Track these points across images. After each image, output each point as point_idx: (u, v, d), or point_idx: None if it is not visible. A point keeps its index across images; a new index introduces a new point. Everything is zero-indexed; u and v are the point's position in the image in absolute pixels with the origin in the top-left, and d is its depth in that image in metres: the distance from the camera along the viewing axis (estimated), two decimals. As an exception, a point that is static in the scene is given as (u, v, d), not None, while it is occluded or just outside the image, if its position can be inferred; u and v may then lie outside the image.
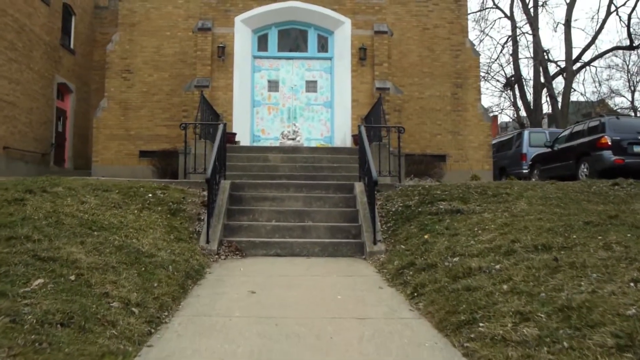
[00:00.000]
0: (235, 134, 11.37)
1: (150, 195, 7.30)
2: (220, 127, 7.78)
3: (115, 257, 4.57)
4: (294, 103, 13.09)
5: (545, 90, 24.50)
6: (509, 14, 27.17)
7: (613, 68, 32.95)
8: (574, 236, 4.75)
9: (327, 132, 13.02)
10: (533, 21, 23.95)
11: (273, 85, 13.13)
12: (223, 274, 5.55)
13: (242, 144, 12.12)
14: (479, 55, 16.51)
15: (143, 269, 4.56)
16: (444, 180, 14.12)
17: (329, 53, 13.19)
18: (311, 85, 13.15)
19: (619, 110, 37.96)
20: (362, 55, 12.62)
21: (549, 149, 14.98)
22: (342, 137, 12.62)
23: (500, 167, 18.03)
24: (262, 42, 13.29)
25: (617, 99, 39.04)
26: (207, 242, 6.47)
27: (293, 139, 10.94)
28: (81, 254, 4.34)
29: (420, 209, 7.13)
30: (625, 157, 11.85)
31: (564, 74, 23.51)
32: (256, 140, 12.88)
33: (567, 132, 14.64)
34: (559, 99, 24.73)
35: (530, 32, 24.75)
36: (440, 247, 5.46)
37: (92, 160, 15.11)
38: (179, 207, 7.12)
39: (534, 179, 14.43)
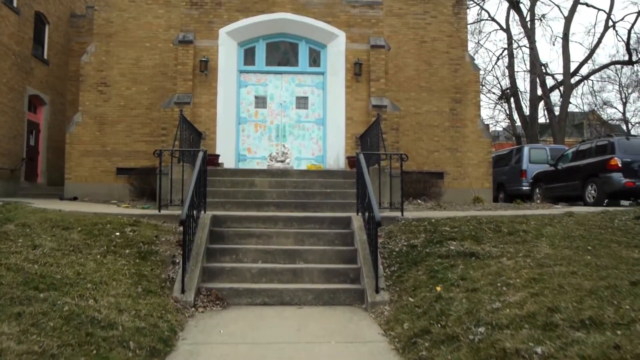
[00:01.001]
0: (218, 155, 10.42)
1: (117, 233, 6.33)
2: (200, 155, 6.85)
3: (58, 338, 3.60)
4: (283, 120, 12.20)
5: (542, 103, 23.95)
6: (504, 26, 26.74)
7: (605, 80, 32.70)
8: (626, 306, 3.89)
9: (318, 151, 12.13)
10: (531, 34, 23.42)
11: (260, 102, 12.23)
12: (199, 340, 4.60)
13: (226, 164, 11.18)
14: (479, 69, 15.85)
15: (94, 351, 3.61)
16: (443, 200, 13.35)
17: (321, 68, 12.34)
18: (302, 102, 12.27)
19: (610, 122, 37.75)
20: (357, 70, 11.78)
21: (552, 167, 14.30)
22: (335, 156, 11.74)
23: (498, 183, 17.35)
24: (249, 56, 12.39)
25: (609, 110, 38.93)
26: (182, 291, 5.53)
27: (282, 161, 10.02)
28: (12, 339, 3.37)
29: (427, 250, 6.26)
30: (636, 179, 11.19)
31: (562, 87, 22.97)
32: (242, 160, 11.94)
33: (572, 151, 13.97)
34: (556, 112, 24.21)
35: (527, 45, 24.22)
36: (459, 308, 4.57)
37: (65, 178, 14.08)
38: (151, 248, 6.16)
39: (538, 200, 13.67)
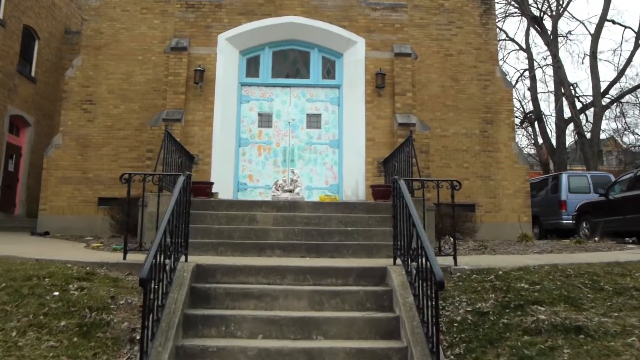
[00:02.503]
0: (211, 183, 8.53)
1: (56, 293, 4.40)
2: (180, 180, 4.98)
3: None
4: (291, 142, 10.35)
5: (569, 126, 22.18)
6: (524, 46, 25.21)
7: (625, 104, 30.88)
8: None
9: (333, 179, 10.23)
10: (556, 52, 21.77)
11: (265, 120, 10.41)
12: None
13: (223, 194, 9.30)
14: (512, 86, 14.07)
15: None
16: (479, 237, 11.39)
17: (336, 80, 10.56)
18: (314, 120, 10.44)
19: (632, 149, 35.72)
20: (379, 82, 9.99)
21: (603, 198, 12.33)
22: (354, 185, 9.83)
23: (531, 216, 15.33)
24: (252, 66, 10.65)
25: (632, 137, 36.93)
26: (140, 390, 3.56)
27: (290, 191, 8.12)
28: None
29: (505, 320, 4.27)
30: None
31: (594, 109, 21.13)
32: (242, 189, 10.06)
33: (627, 177, 12.01)
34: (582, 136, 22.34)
35: (550, 64, 22.59)
36: None
37: (39, 209, 12.24)
38: (101, 317, 4.20)
39: (596, 238, 11.61)
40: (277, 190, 8.16)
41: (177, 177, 5.12)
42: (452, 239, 9.58)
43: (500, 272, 5.15)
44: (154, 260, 3.88)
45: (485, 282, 4.96)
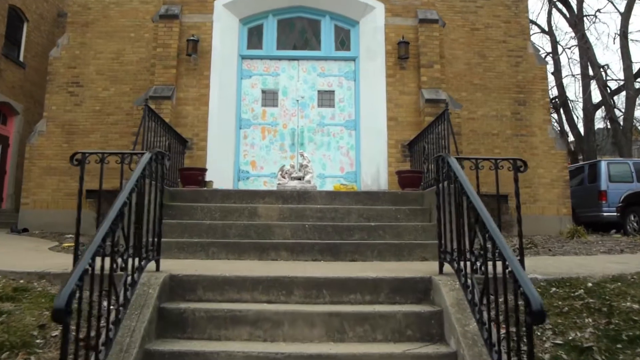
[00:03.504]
0: (203, 170, 7.15)
1: (-39, 321, 3.06)
2: (144, 159, 3.63)
3: None
4: (300, 123, 8.94)
5: (598, 112, 20.55)
6: (546, 29, 23.55)
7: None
8: None
9: (350, 165, 8.81)
10: (584, 33, 20.11)
11: (270, 97, 9.01)
12: None
13: (222, 184, 7.93)
14: (546, 63, 12.54)
15: None
16: (517, 232, 9.97)
17: (351, 51, 9.12)
18: (326, 97, 9.02)
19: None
20: (402, 52, 8.54)
21: (655, 187, 10.86)
22: (374, 172, 8.41)
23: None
24: (254, 37, 9.25)
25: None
26: None
27: (299, 178, 6.73)
28: None
29: (619, 362, 2.86)
30: None
31: (627, 92, 19.45)
32: (243, 178, 8.68)
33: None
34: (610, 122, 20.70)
35: (576, 45, 20.93)
36: None
37: (21, 203, 11.02)
38: None
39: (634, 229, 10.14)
40: (284, 177, 6.77)
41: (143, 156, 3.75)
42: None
43: (590, 285, 3.73)
44: (77, 283, 2.53)
45: (573, 300, 3.54)
